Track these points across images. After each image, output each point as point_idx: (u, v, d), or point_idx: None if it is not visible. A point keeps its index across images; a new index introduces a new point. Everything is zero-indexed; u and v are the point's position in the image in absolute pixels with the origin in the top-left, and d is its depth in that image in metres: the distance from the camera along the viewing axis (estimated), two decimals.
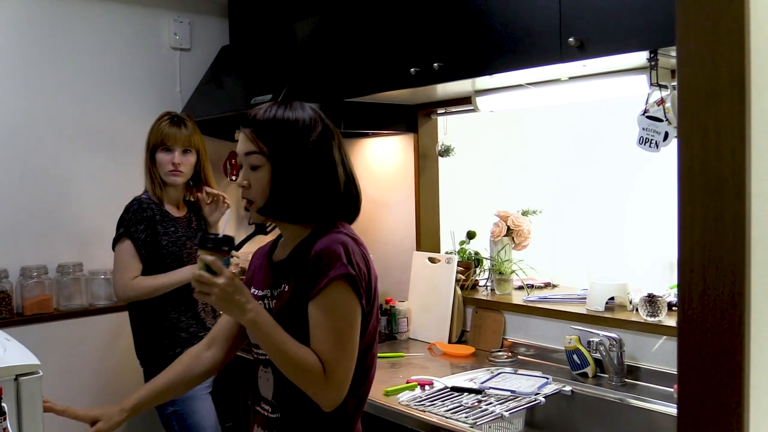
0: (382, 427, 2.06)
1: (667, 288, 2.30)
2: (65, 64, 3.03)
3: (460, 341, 2.76)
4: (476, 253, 2.88)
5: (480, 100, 2.58)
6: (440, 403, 2.05)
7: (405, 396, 2.12)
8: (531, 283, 2.79)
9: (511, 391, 2.10)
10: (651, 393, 2.11)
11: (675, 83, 1.94)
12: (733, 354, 0.90)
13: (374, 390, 2.12)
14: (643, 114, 1.97)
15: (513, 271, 2.75)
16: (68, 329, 2.97)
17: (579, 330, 2.30)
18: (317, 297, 1.42)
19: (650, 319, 2.20)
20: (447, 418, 1.93)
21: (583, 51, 1.92)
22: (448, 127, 2.97)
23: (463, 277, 2.81)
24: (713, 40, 0.92)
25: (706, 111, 0.93)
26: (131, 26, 3.22)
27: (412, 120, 3.01)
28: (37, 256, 2.94)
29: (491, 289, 2.82)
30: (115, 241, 2.44)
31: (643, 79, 2.02)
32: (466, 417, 1.92)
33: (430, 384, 2.21)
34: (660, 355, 2.18)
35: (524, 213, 2.81)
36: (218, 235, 1.45)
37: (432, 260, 2.89)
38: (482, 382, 2.19)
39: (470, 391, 2.13)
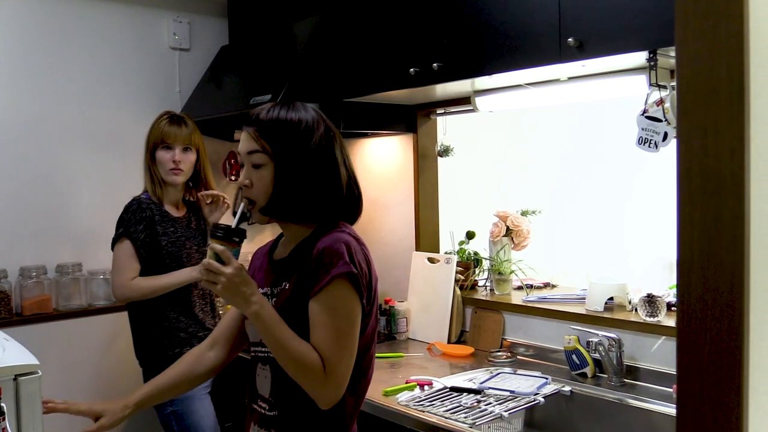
0: (382, 427, 2.06)
1: (666, 288, 2.30)
2: (64, 64, 3.03)
3: (459, 341, 2.76)
4: (475, 254, 2.88)
5: (479, 101, 2.58)
6: (439, 404, 2.05)
7: (404, 396, 2.12)
8: (530, 283, 2.79)
9: (511, 392, 2.10)
10: (650, 393, 2.11)
11: (674, 83, 1.94)
12: (733, 354, 0.90)
13: (373, 390, 2.13)
14: (642, 114, 1.97)
15: (512, 272, 2.75)
16: (67, 329, 2.97)
17: (578, 330, 2.30)
18: (319, 294, 1.42)
19: (649, 319, 2.20)
20: (446, 418, 1.93)
21: (582, 51, 1.92)
22: (447, 127, 2.97)
23: (463, 278, 2.82)
24: (712, 40, 0.92)
25: (706, 111, 0.93)
26: (130, 26, 3.22)
27: (411, 120, 3.01)
28: (36, 256, 2.94)
29: (490, 290, 2.82)
30: (114, 241, 2.44)
31: (642, 79, 2.02)
32: (465, 417, 1.92)
33: (430, 384, 2.21)
34: (659, 355, 2.18)
35: (523, 213, 2.81)
36: (230, 225, 1.46)
37: (431, 260, 2.89)
38: (481, 383, 2.19)
39: (469, 391, 2.13)
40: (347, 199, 1.54)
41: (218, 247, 1.42)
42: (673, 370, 1.84)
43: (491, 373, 2.32)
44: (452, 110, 2.90)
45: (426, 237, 3.04)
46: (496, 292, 2.77)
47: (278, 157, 1.47)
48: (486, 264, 2.85)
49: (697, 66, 0.94)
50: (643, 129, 1.96)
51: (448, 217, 3.08)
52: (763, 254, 0.88)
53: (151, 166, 2.50)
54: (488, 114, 2.73)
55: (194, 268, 2.41)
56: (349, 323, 1.44)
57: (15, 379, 1.44)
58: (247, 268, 1.53)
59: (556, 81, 2.30)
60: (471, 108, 2.66)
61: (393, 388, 2.17)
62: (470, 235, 2.92)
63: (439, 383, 2.21)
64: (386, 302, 2.94)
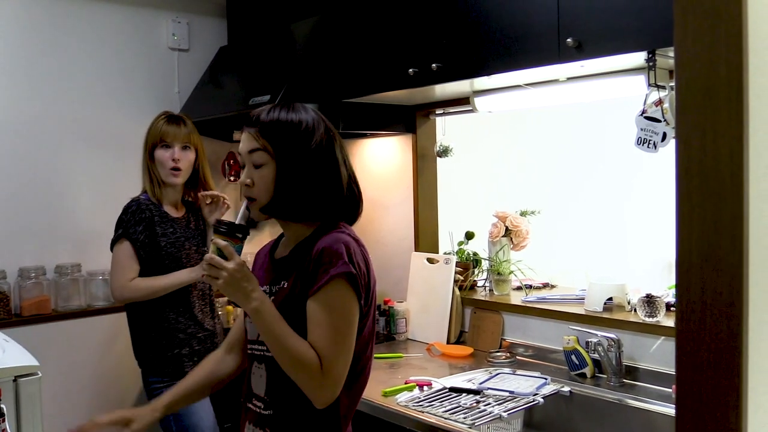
0: (381, 427, 2.06)
1: (665, 288, 2.30)
2: (63, 65, 3.03)
3: (458, 342, 2.76)
4: (475, 254, 2.88)
5: (478, 101, 2.58)
6: (439, 404, 2.05)
7: (403, 397, 2.12)
8: (529, 283, 2.79)
9: (510, 392, 2.10)
10: (649, 393, 2.11)
11: (673, 84, 1.94)
12: (731, 354, 0.90)
13: (373, 390, 2.13)
14: (641, 114, 1.97)
15: (511, 272, 2.75)
16: (66, 330, 2.97)
17: (577, 330, 2.30)
18: (317, 293, 1.43)
19: (648, 320, 2.20)
20: (445, 418, 1.93)
21: (581, 51, 1.92)
22: (446, 127, 2.97)
23: (462, 278, 2.82)
24: (711, 40, 0.92)
25: (704, 111, 0.93)
26: (129, 27, 3.22)
27: (410, 120, 3.01)
28: (35, 256, 2.94)
29: (490, 290, 2.82)
30: (114, 242, 2.43)
31: (641, 79, 2.02)
32: (464, 418, 1.92)
33: (429, 384, 2.21)
34: (658, 355, 2.18)
35: (522, 213, 2.81)
36: (234, 221, 1.47)
37: (430, 261, 2.89)
38: (481, 383, 2.19)
39: (469, 391, 2.13)
40: (348, 199, 1.55)
41: (221, 242, 1.43)
42: (672, 371, 1.84)
43: (490, 373, 2.32)
44: (451, 111, 2.90)
45: (425, 237, 3.04)
46: (495, 293, 2.77)
47: (280, 158, 1.48)
48: (485, 264, 2.85)
49: (696, 66, 0.94)
50: (641, 129, 1.96)
51: (447, 217, 3.08)
52: (762, 254, 0.89)
53: (150, 165, 2.49)
54: (487, 114, 2.73)
55: (194, 269, 2.41)
56: (347, 323, 1.45)
57: (15, 380, 1.44)
58: (250, 268, 1.54)
59: (555, 81, 2.30)
60: (470, 108, 2.66)
61: (392, 388, 2.18)
62: (469, 236, 2.92)
63: (438, 384, 2.21)
64: (385, 303, 2.95)
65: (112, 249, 2.44)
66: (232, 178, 3.41)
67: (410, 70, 2.39)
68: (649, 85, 1.95)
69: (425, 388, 2.19)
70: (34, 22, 2.96)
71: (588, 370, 2.27)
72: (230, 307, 3.21)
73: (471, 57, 2.23)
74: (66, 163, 3.04)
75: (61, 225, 3.02)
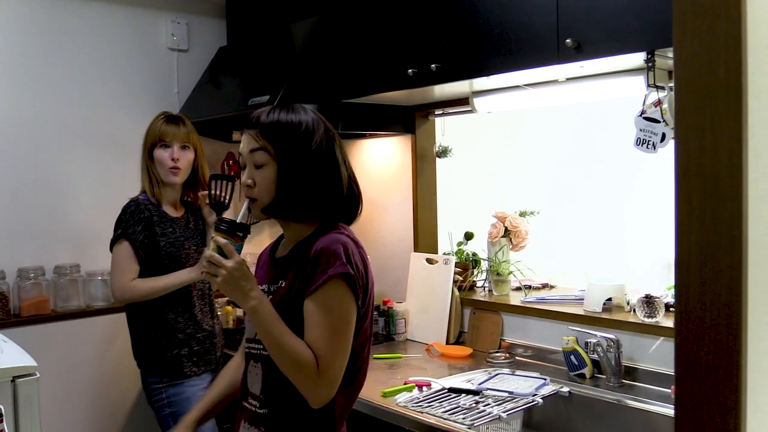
0: (380, 428, 2.06)
1: (665, 289, 2.30)
2: (62, 65, 3.03)
3: (457, 342, 2.76)
4: (474, 254, 2.88)
5: (477, 101, 2.58)
6: (438, 405, 2.05)
7: (403, 397, 2.12)
8: (528, 284, 2.79)
9: (509, 392, 2.10)
10: (648, 394, 2.11)
11: (672, 84, 1.94)
12: (731, 355, 0.90)
13: (372, 391, 2.13)
14: (640, 115, 1.97)
15: (510, 272, 2.75)
16: (65, 330, 2.96)
17: (576, 331, 2.30)
18: (314, 293, 1.43)
19: (648, 320, 2.20)
20: (445, 419, 1.93)
21: (580, 52, 1.92)
22: (445, 128, 2.97)
23: (461, 278, 2.82)
24: (710, 41, 0.92)
25: (703, 112, 0.93)
26: (129, 27, 3.22)
27: (409, 121, 3.01)
28: (34, 257, 2.94)
29: (489, 290, 2.82)
30: (113, 243, 2.43)
31: (640, 80, 2.02)
32: (463, 418, 1.92)
33: (428, 385, 2.21)
34: (657, 356, 2.18)
35: (522, 214, 2.81)
36: (235, 220, 1.48)
37: (430, 261, 2.89)
38: (480, 383, 2.19)
39: (468, 392, 2.13)
40: (348, 199, 1.56)
41: (221, 240, 1.43)
42: (671, 371, 1.84)
43: (490, 374, 2.32)
44: (450, 111, 2.90)
45: (424, 238, 3.04)
46: (495, 293, 2.77)
47: (281, 158, 1.48)
48: (484, 265, 2.85)
49: (695, 67, 0.94)
50: (641, 130, 1.97)
51: (446, 217, 3.08)
52: (761, 255, 0.89)
53: (149, 165, 2.49)
54: (486, 115, 2.73)
55: (193, 269, 2.41)
56: (344, 323, 1.45)
57: (13, 380, 1.44)
58: (250, 267, 1.54)
59: (555, 82, 2.30)
60: (469, 109, 2.66)
61: (391, 389, 2.17)
62: (468, 236, 2.92)
63: (437, 384, 2.21)
64: (385, 303, 2.94)
65: (111, 249, 2.44)
66: None
67: (409, 70, 2.39)
68: (648, 85, 1.95)
69: (424, 388, 2.19)
70: (33, 23, 2.96)
71: (587, 371, 2.27)
72: (229, 308, 3.21)
73: (470, 57, 2.23)
74: (65, 164, 3.04)
75: (60, 225, 3.02)
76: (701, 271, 0.93)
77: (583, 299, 2.45)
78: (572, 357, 2.30)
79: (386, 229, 3.17)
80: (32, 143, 2.96)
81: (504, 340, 2.62)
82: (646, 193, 3.09)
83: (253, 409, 1.54)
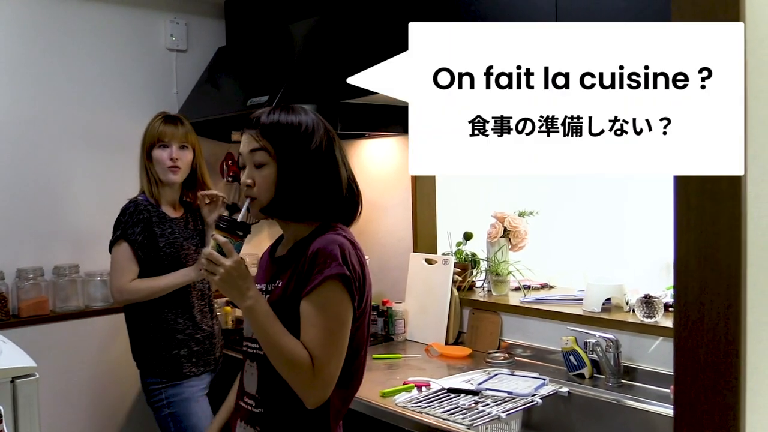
0: (379, 428, 2.06)
1: (664, 289, 2.30)
2: (62, 65, 3.03)
3: (456, 342, 2.76)
4: (473, 255, 2.88)
5: None
6: (437, 405, 2.05)
7: (402, 397, 2.12)
8: (528, 284, 2.79)
9: (508, 393, 2.10)
10: (647, 394, 2.11)
11: None
12: (729, 355, 0.90)
13: (371, 391, 2.13)
14: None
15: (510, 273, 2.75)
16: (65, 331, 2.96)
17: (576, 331, 2.30)
18: (311, 294, 1.44)
19: (647, 320, 2.20)
20: (444, 419, 1.93)
21: None
22: None
23: (460, 279, 2.82)
24: None
25: None
26: (127, 27, 3.22)
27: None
28: (33, 257, 2.93)
29: (488, 291, 2.82)
30: (112, 244, 2.43)
31: None
32: (463, 418, 1.92)
33: (427, 385, 2.21)
34: (656, 356, 2.18)
35: (521, 214, 2.81)
36: (235, 219, 1.48)
37: (429, 261, 2.89)
38: (479, 384, 2.19)
39: (467, 392, 2.13)
40: (347, 199, 1.56)
41: (221, 238, 1.44)
42: (670, 371, 1.84)
43: (489, 374, 2.32)
44: None
45: (423, 238, 3.04)
46: (494, 293, 2.77)
47: (281, 159, 1.49)
48: (483, 265, 2.85)
49: None
50: None
51: (445, 218, 3.08)
52: (760, 255, 0.89)
53: (148, 165, 2.49)
54: None
55: (192, 268, 2.41)
56: (340, 323, 1.45)
57: (12, 381, 1.44)
58: (249, 267, 1.54)
59: None
60: None
61: (391, 389, 2.17)
62: (468, 236, 2.92)
63: (436, 384, 2.21)
64: (384, 303, 2.94)
65: (110, 250, 2.44)
66: (230, 179, 3.41)
67: None
68: None
69: (423, 388, 2.19)
70: (33, 23, 2.96)
71: (586, 371, 2.27)
72: (228, 308, 3.20)
73: None
74: (64, 164, 3.04)
75: (59, 226, 3.02)
76: (700, 271, 0.93)
77: (582, 299, 2.45)
78: (571, 357, 2.30)
79: (385, 230, 3.17)
80: (32, 143, 2.96)
81: (503, 340, 2.62)
82: (646, 193, 3.09)
83: (249, 408, 1.54)
